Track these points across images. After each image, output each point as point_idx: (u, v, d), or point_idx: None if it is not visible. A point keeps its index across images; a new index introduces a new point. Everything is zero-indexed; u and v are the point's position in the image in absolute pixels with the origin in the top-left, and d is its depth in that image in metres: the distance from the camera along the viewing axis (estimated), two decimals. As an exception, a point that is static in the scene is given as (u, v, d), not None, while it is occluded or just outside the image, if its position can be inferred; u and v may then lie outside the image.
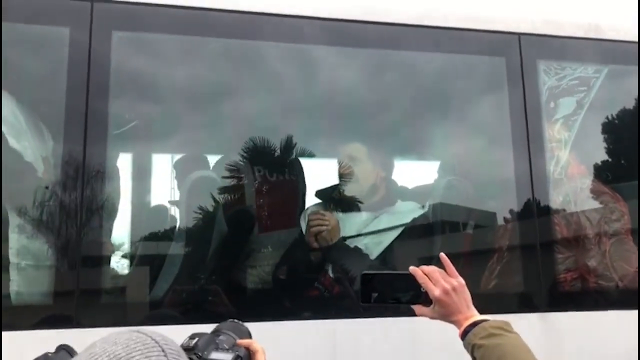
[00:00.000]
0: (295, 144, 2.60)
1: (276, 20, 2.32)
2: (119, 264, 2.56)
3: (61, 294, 2.04)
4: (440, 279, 1.54)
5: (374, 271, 1.62)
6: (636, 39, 2.58)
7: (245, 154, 2.49)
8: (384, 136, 2.67)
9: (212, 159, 2.66)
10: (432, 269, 1.56)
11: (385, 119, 2.59)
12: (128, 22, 2.23)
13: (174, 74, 2.34)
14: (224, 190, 2.50)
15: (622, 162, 2.69)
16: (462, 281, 1.56)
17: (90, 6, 2.17)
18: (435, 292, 1.53)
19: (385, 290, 1.59)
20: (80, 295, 2.03)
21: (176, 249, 2.47)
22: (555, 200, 2.51)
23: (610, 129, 2.63)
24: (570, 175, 2.58)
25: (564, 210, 2.54)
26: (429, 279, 1.55)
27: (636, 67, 2.55)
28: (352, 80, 2.51)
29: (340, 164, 2.65)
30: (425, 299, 1.56)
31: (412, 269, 1.57)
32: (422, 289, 1.56)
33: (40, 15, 2.15)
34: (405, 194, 2.72)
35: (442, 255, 1.61)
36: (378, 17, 2.44)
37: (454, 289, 1.53)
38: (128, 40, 2.24)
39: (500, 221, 2.52)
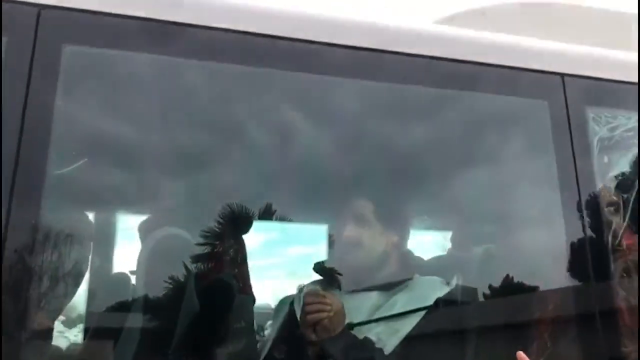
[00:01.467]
0: (292, 203, 2.11)
1: (287, 44, 1.85)
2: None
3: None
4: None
5: None
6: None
7: (222, 220, 1.98)
8: (398, 192, 2.16)
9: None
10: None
11: (400, 170, 2.10)
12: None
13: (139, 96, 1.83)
14: (198, 256, 1.94)
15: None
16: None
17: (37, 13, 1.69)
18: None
19: None
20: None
21: (134, 327, 1.90)
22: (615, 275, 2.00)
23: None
24: (630, 246, 2.08)
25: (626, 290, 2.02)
26: None
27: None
28: (363, 119, 2.03)
29: (342, 227, 2.14)
30: None
31: None
32: None
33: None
34: (426, 267, 2.18)
35: (520, 354, 1.08)
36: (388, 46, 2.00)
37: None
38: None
39: (549, 302, 1.98)
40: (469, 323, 2.00)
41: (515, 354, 1.56)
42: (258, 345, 2.17)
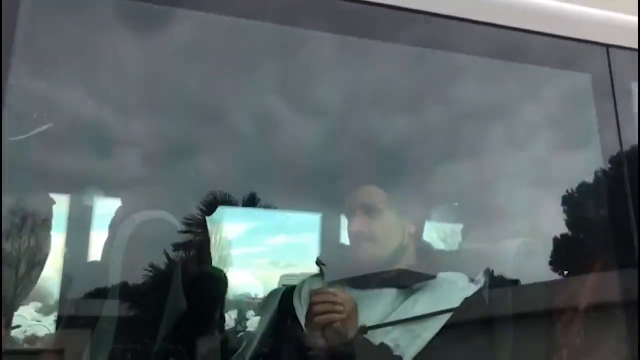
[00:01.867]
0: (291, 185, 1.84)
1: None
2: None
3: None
4: None
5: None
6: None
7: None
8: (417, 174, 1.89)
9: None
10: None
11: (417, 150, 1.83)
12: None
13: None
14: (183, 244, 1.64)
15: None
16: None
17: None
18: None
19: None
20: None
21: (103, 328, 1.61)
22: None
23: None
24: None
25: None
26: None
27: None
28: (383, 86, 1.75)
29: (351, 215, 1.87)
30: None
31: None
32: None
33: None
34: (449, 262, 1.91)
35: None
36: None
37: None
38: None
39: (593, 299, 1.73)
40: (503, 326, 1.73)
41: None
42: (239, 336, 2.00)
